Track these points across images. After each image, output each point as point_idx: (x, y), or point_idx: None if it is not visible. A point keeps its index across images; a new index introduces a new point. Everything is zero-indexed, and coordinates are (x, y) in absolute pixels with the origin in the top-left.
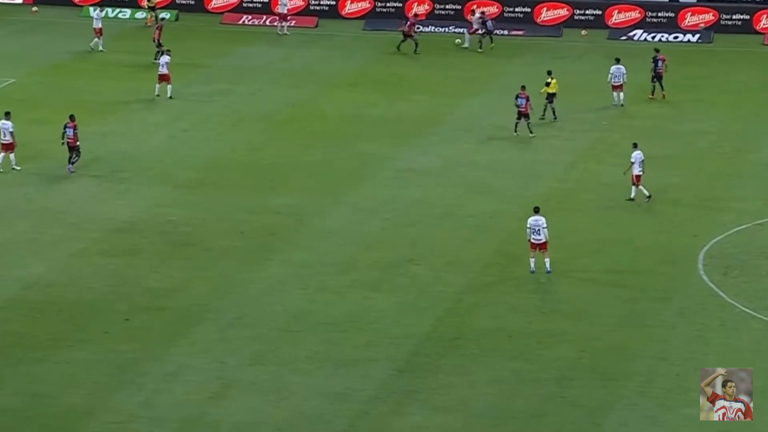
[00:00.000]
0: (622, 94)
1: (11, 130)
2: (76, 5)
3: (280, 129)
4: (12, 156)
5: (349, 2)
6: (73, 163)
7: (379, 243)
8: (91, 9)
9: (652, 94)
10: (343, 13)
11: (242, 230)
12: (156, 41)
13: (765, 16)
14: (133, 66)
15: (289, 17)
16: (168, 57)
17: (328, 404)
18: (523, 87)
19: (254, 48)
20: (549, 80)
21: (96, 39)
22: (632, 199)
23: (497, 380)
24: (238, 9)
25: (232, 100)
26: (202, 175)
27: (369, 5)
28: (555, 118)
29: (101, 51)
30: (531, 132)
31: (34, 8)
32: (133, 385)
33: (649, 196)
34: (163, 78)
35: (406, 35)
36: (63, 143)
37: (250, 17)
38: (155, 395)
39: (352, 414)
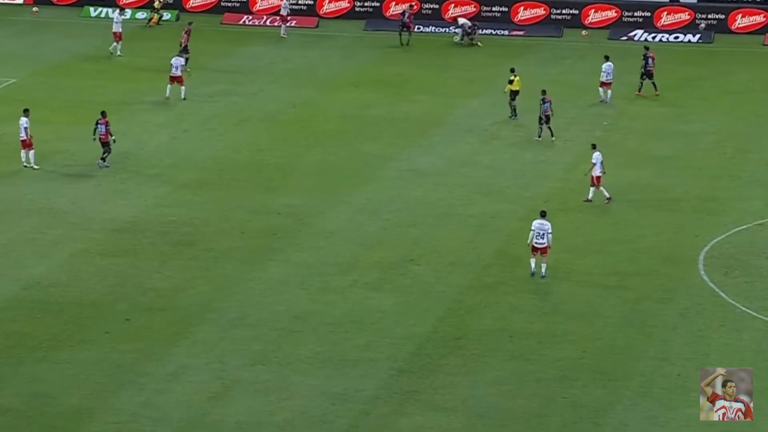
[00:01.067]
0: (609, 91)
1: (26, 126)
2: (76, 5)
3: (282, 129)
4: (23, 153)
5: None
6: (104, 159)
7: (381, 243)
8: (89, 10)
9: (639, 91)
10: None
11: (243, 230)
12: (183, 45)
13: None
14: (133, 66)
15: (289, 18)
16: (182, 59)
17: (330, 404)
18: (544, 91)
19: (255, 48)
20: (512, 77)
21: (114, 43)
22: (590, 200)
23: (498, 380)
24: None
25: (233, 101)
26: (203, 176)
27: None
28: (515, 116)
29: (119, 56)
30: (552, 136)
31: (35, 8)
32: (134, 386)
33: (610, 198)
34: (175, 79)
35: (405, 26)
36: (95, 139)
37: (250, 17)
38: (156, 395)
39: (354, 414)
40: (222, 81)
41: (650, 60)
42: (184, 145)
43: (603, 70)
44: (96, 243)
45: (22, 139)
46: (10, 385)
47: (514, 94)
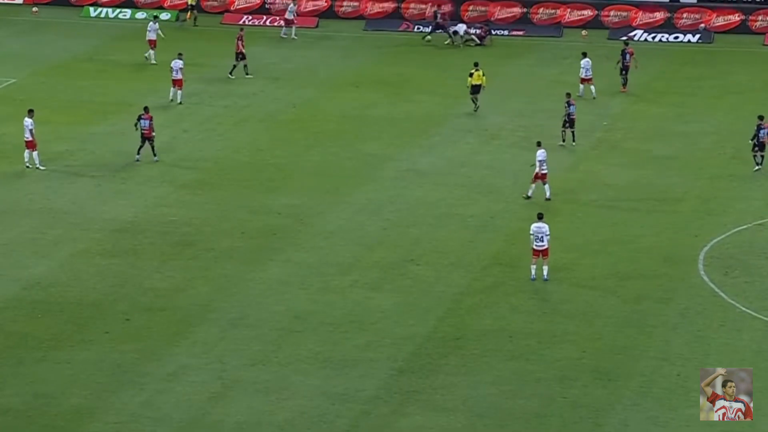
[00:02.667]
0: (592, 87)
1: (31, 128)
2: (76, 5)
3: (282, 129)
4: (27, 153)
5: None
6: (155, 154)
7: (381, 243)
8: (89, 10)
9: (624, 87)
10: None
11: (243, 230)
12: (239, 52)
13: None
14: (133, 66)
15: (295, 22)
16: (181, 62)
17: (330, 404)
18: (569, 94)
19: (255, 48)
20: (472, 71)
21: (150, 51)
22: (529, 197)
23: (498, 380)
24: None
25: (233, 101)
26: (203, 176)
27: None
28: (476, 110)
29: (154, 63)
30: (573, 140)
31: (35, 8)
32: (134, 385)
33: (549, 198)
34: (176, 83)
35: (440, 26)
36: (137, 130)
37: (250, 17)
38: (157, 395)
39: (354, 414)
40: (222, 81)
41: (628, 56)
42: (184, 145)
43: (582, 66)
44: (96, 243)
45: (27, 140)
46: (10, 385)
47: (475, 88)
